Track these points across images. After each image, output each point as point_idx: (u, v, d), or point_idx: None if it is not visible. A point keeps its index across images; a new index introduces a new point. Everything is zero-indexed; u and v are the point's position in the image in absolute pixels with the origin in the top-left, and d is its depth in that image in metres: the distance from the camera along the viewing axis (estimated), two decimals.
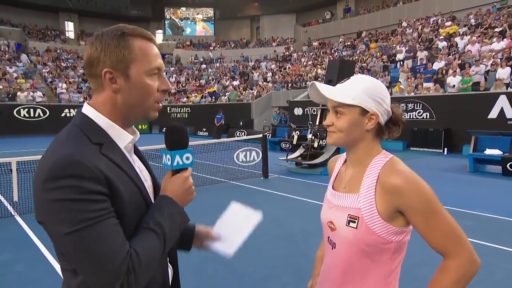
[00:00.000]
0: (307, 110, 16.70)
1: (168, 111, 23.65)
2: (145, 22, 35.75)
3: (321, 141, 8.94)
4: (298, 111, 17.68)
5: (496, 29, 16.02)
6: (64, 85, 24.15)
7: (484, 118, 10.75)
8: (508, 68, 12.06)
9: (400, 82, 15.16)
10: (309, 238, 4.38)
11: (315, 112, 10.82)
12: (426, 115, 12.44)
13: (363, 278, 1.09)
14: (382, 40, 22.60)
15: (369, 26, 25.99)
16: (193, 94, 25.64)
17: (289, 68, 25.67)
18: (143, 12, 35.20)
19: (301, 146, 9.41)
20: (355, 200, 1.10)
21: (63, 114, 21.83)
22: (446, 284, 1.02)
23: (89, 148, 0.88)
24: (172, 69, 30.46)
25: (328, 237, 1.18)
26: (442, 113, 11.98)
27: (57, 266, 3.65)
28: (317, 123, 9.32)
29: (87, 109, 0.97)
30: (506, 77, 11.86)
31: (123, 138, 0.98)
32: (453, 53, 15.63)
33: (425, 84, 13.74)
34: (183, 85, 27.88)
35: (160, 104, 1.01)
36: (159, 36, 36.37)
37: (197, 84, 27.44)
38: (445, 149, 11.44)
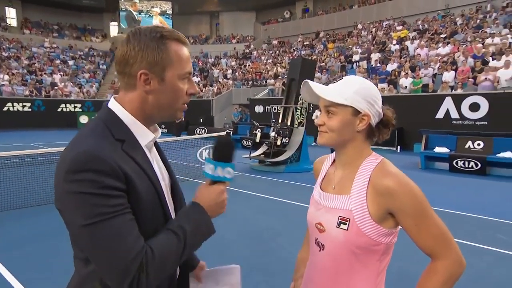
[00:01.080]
0: (268, 108, 16.84)
1: None
2: (98, 12, 33.90)
3: (284, 139, 9.05)
4: (259, 108, 17.78)
5: (442, 35, 17.22)
6: (6, 77, 22.27)
7: (432, 118, 11.53)
8: (453, 72, 13.01)
9: None
10: (277, 237, 4.42)
11: (278, 110, 10.93)
12: None
13: (352, 280, 1.09)
14: (339, 41, 23.36)
15: (327, 27, 26.74)
16: None
17: (249, 65, 25.71)
18: (96, 2, 33.34)
19: (264, 144, 9.46)
20: (346, 201, 1.09)
21: (5, 108, 20.13)
22: (434, 285, 1.04)
23: (111, 144, 0.90)
24: None
25: (316, 239, 1.16)
26: (395, 112, 12.58)
27: None
28: (279, 121, 9.43)
29: (113, 105, 0.98)
30: (450, 80, 12.79)
31: (145, 136, 0.99)
32: (405, 56, 16.56)
33: (379, 85, 14.42)
34: None
35: (186, 106, 1.03)
36: (113, 29, 34.69)
37: None
38: (398, 147, 12.10)
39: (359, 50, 19.21)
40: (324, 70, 18.45)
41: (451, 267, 1.04)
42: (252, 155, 9.42)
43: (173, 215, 1.02)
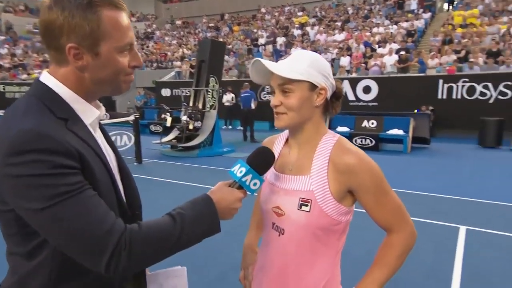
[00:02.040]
0: (176, 91, 16.21)
1: (2, 90, 19.37)
2: None
3: (196, 122, 8.85)
4: (166, 92, 17.02)
5: (337, 22, 18.72)
6: None
7: None
8: (348, 57, 14.29)
9: None
10: None
11: (186, 93, 10.58)
12: None
13: (313, 262, 1.08)
14: (244, 24, 23.57)
15: (231, 8, 26.68)
16: (35, 71, 21.60)
17: (152, 46, 24.29)
18: None
19: (176, 129, 9.12)
20: (307, 182, 1.06)
21: None
22: (391, 258, 1.08)
23: (55, 122, 0.79)
24: (1, 38, 24.87)
25: (273, 224, 1.12)
26: None
27: None
28: (191, 105, 9.16)
29: (48, 79, 0.85)
30: (346, 65, 14.04)
31: (89, 114, 0.89)
32: (306, 41, 17.55)
33: None
34: (21, 59, 23.20)
35: (132, 76, 0.91)
36: None
37: (41, 59, 23.21)
38: None
39: (265, 34, 19.69)
40: (232, 52, 18.45)
41: (406, 239, 1.09)
42: (163, 140, 9.03)
43: (124, 200, 0.93)
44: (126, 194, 0.95)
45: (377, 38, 15.19)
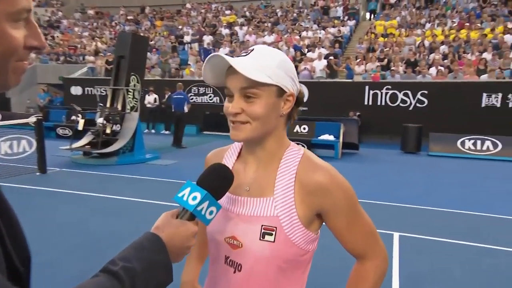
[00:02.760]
0: (89, 90, 14.99)
1: None
2: None
3: (114, 126, 8.24)
4: (76, 90, 15.65)
5: (266, 24, 19.20)
6: None
7: None
8: None
9: (190, 65, 15.83)
10: (120, 243, 3.90)
11: (105, 93, 9.82)
12: (217, 99, 13.59)
13: None
14: (168, 19, 22.88)
15: (153, 1, 25.72)
16: None
17: (58, 37, 22.20)
18: None
19: (89, 132, 8.39)
20: (270, 205, 0.93)
21: None
22: None
23: None
24: None
25: (227, 258, 0.97)
26: None
27: None
28: (108, 106, 8.50)
29: None
30: None
31: None
32: (235, 41, 17.63)
33: None
34: None
35: (26, 63, 0.62)
36: None
37: None
38: None
39: (190, 31, 19.33)
40: (154, 49, 17.71)
41: (381, 266, 1.02)
42: (74, 146, 8.29)
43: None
44: (6, 227, 0.67)
45: (307, 42, 15.90)
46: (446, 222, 4.89)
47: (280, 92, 0.92)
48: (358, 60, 14.00)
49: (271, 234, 0.91)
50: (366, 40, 16.00)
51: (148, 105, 13.54)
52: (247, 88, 0.89)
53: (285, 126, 1.00)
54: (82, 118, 8.50)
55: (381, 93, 11.91)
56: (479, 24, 15.72)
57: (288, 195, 0.93)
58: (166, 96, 13.36)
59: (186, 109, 10.50)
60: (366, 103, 12.01)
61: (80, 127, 8.36)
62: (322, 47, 14.80)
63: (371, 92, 11.98)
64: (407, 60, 13.57)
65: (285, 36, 16.93)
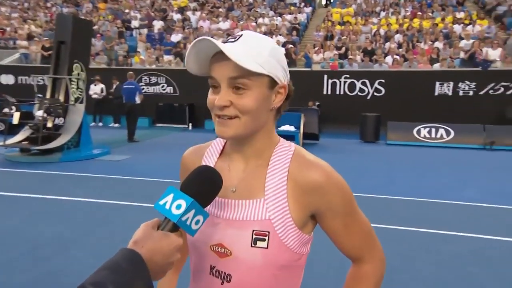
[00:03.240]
0: (23, 79, 13.96)
1: None
2: None
3: (56, 119, 7.78)
4: (7, 79, 14.59)
5: (220, 9, 18.89)
6: None
7: None
8: None
9: (139, 52, 15.23)
10: (66, 249, 3.67)
11: (42, 82, 9.17)
12: (170, 89, 13.21)
13: None
14: (112, 2, 21.79)
15: None
16: None
17: None
18: None
19: (27, 127, 7.85)
20: (261, 208, 0.88)
21: None
22: None
23: None
24: None
25: (213, 268, 0.91)
26: (185, 87, 13.04)
27: None
28: (48, 96, 7.97)
29: None
30: None
31: None
32: (188, 27, 17.19)
33: (165, 57, 14.44)
34: None
35: None
36: None
37: None
38: (190, 124, 12.61)
39: (138, 16, 18.57)
40: (99, 35, 16.81)
41: (379, 269, 0.99)
42: (8, 142, 7.75)
43: None
44: None
45: (263, 29, 15.87)
46: (406, 210, 5.11)
47: (272, 83, 0.87)
48: (316, 49, 14.21)
49: (264, 240, 0.86)
50: (323, 27, 16.28)
51: (94, 96, 12.87)
52: (237, 78, 0.82)
53: (275, 121, 0.95)
54: (17, 111, 7.90)
55: (340, 82, 12.21)
56: (430, 14, 16.58)
57: (280, 196, 0.88)
58: (114, 86, 12.78)
59: (138, 99, 10.11)
60: (325, 92, 12.26)
61: (15, 120, 7.80)
62: (280, 35, 14.85)
63: (330, 81, 12.25)
64: (364, 48, 13.99)
65: (241, 22, 16.77)
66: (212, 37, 0.93)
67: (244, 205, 0.89)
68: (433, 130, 10.61)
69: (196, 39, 0.82)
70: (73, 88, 8.11)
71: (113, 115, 13.42)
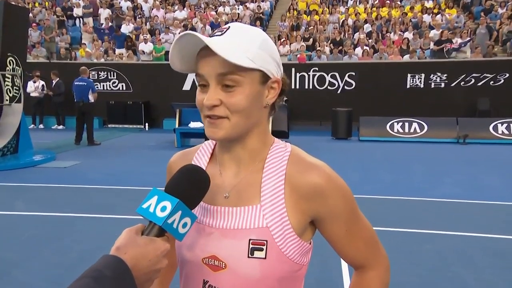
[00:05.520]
0: None
1: None
2: None
3: None
4: None
5: None
6: None
7: (179, 90, 12.37)
8: None
9: (85, 44, 14.73)
10: (11, 269, 3.48)
11: None
12: (122, 86, 12.84)
13: None
14: None
15: None
16: None
17: None
18: None
19: None
20: (257, 215, 0.88)
21: None
22: None
23: None
24: None
25: (206, 282, 0.91)
26: (140, 84, 12.74)
27: None
28: None
29: None
30: None
31: None
32: (139, 16, 16.82)
33: (117, 50, 14.05)
34: None
35: None
36: None
37: None
38: (146, 124, 12.34)
39: (81, 3, 17.93)
40: (34, 24, 16.05)
41: (384, 276, 1.01)
42: None
43: None
44: None
45: (224, 18, 15.81)
46: (383, 210, 5.26)
47: (264, 78, 0.87)
48: (282, 40, 14.35)
49: (262, 250, 0.86)
50: (288, 17, 16.46)
51: (34, 94, 12.29)
52: (226, 75, 0.83)
53: (269, 119, 0.96)
54: None
55: (308, 75, 12.39)
56: (399, 2, 17.21)
57: (278, 201, 0.88)
58: (54, 82, 12.30)
59: (91, 98, 9.76)
60: (293, 87, 12.39)
61: None
62: None
63: (298, 75, 12.40)
64: (333, 39, 14.29)
65: (200, 11, 16.62)
66: (189, 31, 0.92)
67: (238, 213, 0.89)
68: (406, 124, 11.02)
69: (180, 34, 0.83)
70: (7, 85, 7.73)
71: (55, 116, 12.88)
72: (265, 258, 0.86)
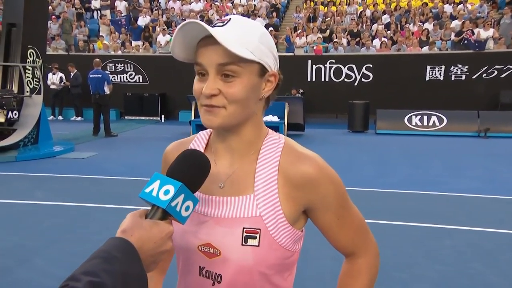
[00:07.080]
0: None
1: None
2: None
3: (10, 113, 7.69)
4: None
5: None
6: None
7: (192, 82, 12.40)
8: None
9: (102, 36, 14.90)
10: (30, 258, 3.58)
11: None
12: (139, 78, 12.98)
13: None
14: None
15: None
16: None
17: None
18: None
19: None
20: (251, 204, 0.92)
21: None
22: None
23: None
24: None
25: (202, 268, 0.95)
26: (156, 76, 12.86)
27: None
28: None
29: None
30: None
31: None
32: (156, 8, 16.90)
33: (133, 42, 14.17)
34: None
35: None
36: None
37: None
38: (162, 116, 12.46)
39: None
40: (54, 17, 16.31)
41: (374, 263, 1.05)
42: None
43: None
44: None
45: (240, 10, 15.76)
46: (401, 204, 5.21)
47: (262, 71, 0.91)
48: (298, 32, 14.23)
49: (255, 238, 0.91)
50: (305, 8, 16.30)
51: (53, 86, 12.53)
52: (227, 65, 0.85)
53: (263, 111, 0.99)
54: None
55: (325, 67, 12.29)
56: None
57: (271, 191, 0.92)
58: (72, 74, 12.51)
59: (107, 90, 9.90)
60: (309, 79, 12.31)
61: None
62: (259, 17, 14.79)
63: (315, 67, 12.31)
64: (350, 31, 14.10)
65: (216, 3, 16.61)
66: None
67: (233, 202, 0.93)
68: (425, 117, 10.84)
69: (183, 22, 0.84)
70: (28, 77, 7.92)
71: (74, 108, 13.13)
72: (258, 245, 0.90)
